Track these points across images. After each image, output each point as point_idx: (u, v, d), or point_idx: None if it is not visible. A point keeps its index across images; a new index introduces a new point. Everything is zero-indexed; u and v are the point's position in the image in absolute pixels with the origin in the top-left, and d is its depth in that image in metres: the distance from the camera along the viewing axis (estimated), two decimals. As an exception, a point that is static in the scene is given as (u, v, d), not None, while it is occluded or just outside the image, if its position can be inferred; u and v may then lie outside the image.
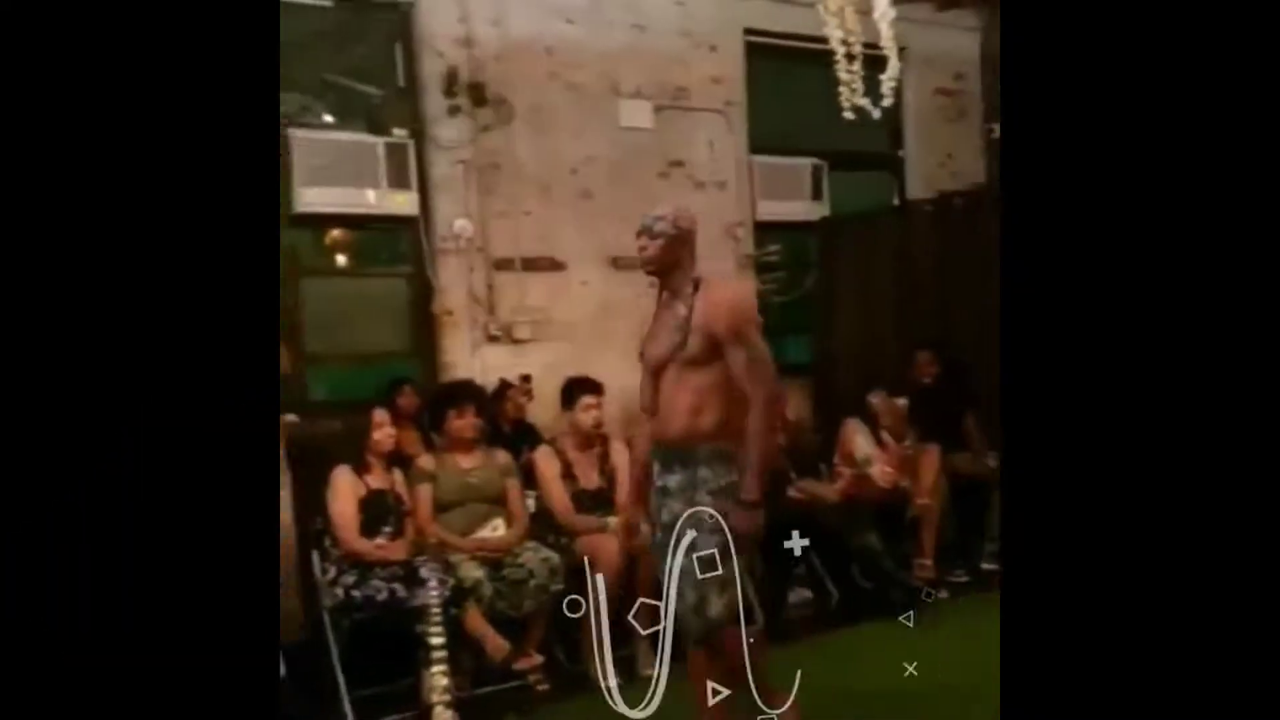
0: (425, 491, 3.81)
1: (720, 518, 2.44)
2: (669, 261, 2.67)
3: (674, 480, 2.65)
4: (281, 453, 3.99)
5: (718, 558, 2.43)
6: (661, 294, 2.74)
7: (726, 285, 2.73)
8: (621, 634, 3.92)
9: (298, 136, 4.49)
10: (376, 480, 3.73)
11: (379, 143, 4.66)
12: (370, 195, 4.64)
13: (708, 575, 2.45)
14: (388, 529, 3.66)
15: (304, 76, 4.65)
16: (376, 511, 3.66)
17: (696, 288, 2.64)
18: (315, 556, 3.73)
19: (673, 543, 2.50)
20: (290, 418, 4.25)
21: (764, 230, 5.84)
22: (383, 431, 3.78)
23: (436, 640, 3.15)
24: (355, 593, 3.50)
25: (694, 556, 2.47)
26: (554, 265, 5.12)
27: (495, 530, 3.81)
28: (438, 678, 3.15)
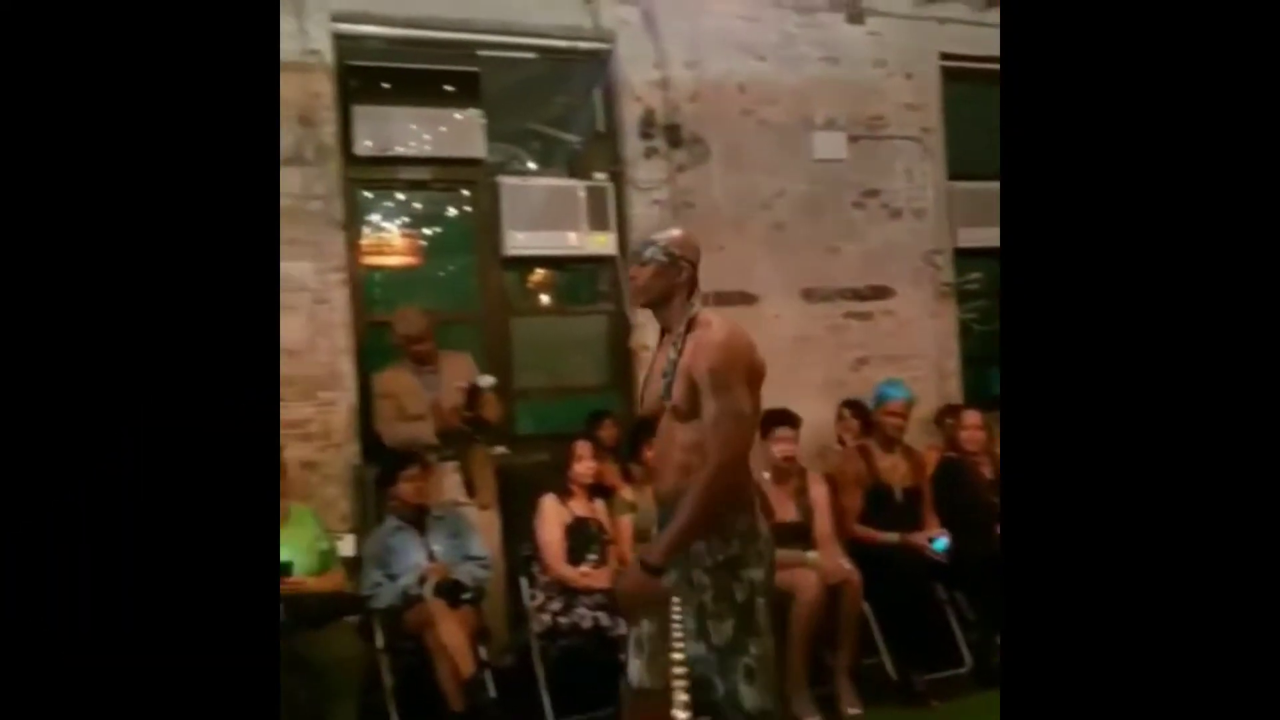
0: (628, 521, 3.91)
1: (730, 596, 2.19)
2: (660, 293, 2.35)
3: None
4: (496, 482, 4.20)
5: (736, 644, 2.20)
6: (662, 333, 2.43)
7: (720, 325, 2.29)
8: (822, 671, 3.91)
9: (506, 184, 4.75)
10: (580, 509, 3.87)
11: (580, 186, 4.87)
12: (572, 237, 4.84)
13: (733, 661, 2.21)
14: (592, 557, 3.79)
15: (510, 127, 4.93)
16: (581, 539, 3.80)
17: (691, 326, 2.30)
18: (523, 583, 3.90)
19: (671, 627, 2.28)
20: (499, 450, 4.47)
21: (964, 257, 5.66)
22: (585, 463, 3.92)
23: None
24: (562, 619, 3.63)
25: (715, 645, 2.23)
26: (746, 299, 5.15)
27: (694, 561, 3.86)
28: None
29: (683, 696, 1.52)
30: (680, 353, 2.27)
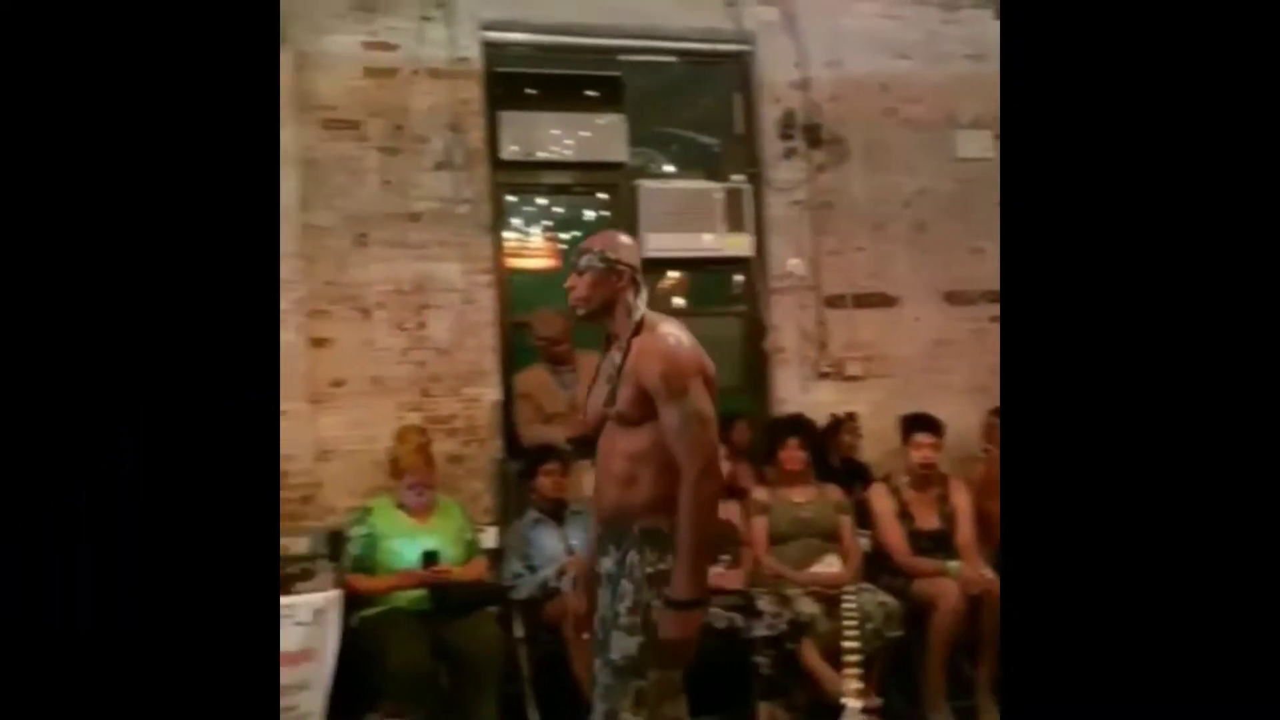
0: (761, 524, 3.91)
1: (642, 613, 2.11)
2: (601, 301, 2.25)
3: (609, 563, 2.25)
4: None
5: (636, 664, 2.10)
6: (608, 341, 2.33)
7: (667, 329, 2.21)
8: (961, 683, 3.80)
9: (644, 186, 4.81)
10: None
11: (717, 188, 4.88)
12: (708, 238, 4.86)
13: (625, 682, 2.10)
14: (726, 558, 3.79)
15: (649, 130, 4.99)
16: (720, 536, 3.81)
17: (638, 331, 2.22)
18: (658, 580, 3.94)
19: (600, 642, 2.20)
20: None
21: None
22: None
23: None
24: (695, 617, 3.65)
25: (608, 658, 2.16)
26: (886, 301, 5.07)
27: (829, 566, 3.83)
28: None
29: (854, 684, 1.52)
30: (625, 357, 2.19)
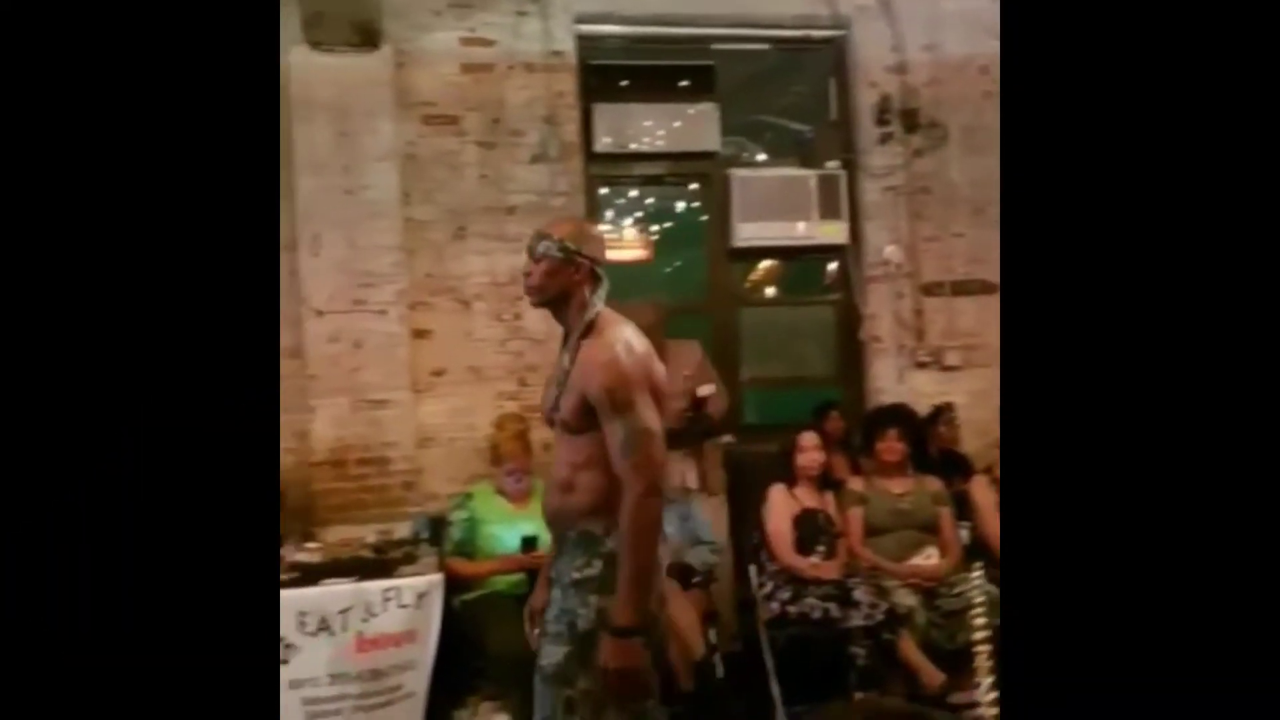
0: (857, 514, 3.87)
1: (573, 619, 2.02)
2: (556, 291, 2.13)
3: (553, 569, 2.17)
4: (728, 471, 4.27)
5: (564, 673, 2.02)
6: (565, 335, 2.20)
7: (616, 334, 2.07)
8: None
9: (736, 175, 4.79)
10: (809, 499, 3.86)
11: (811, 175, 4.84)
12: (802, 227, 4.82)
13: (556, 690, 2.02)
14: (821, 548, 3.77)
15: (741, 119, 4.97)
16: (809, 530, 3.79)
17: (588, 330, 2.10)
18: (752, 571, 3.94)
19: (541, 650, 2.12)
20: (726, 439, 4.53)
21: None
22: (809, 454, 3.91)
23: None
24: (791, 608, 3.64)
25: (538, 664, 2.09)
26: (986, 288, 4.95)
27: (928, 558, 3.77)
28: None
29: (986, 674, 1.51)
30: (573, 361, 2.09)
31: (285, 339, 4.28)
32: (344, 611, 3.26)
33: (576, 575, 2.04)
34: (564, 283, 2.13)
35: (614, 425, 2.00)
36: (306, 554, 3.52)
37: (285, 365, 4.28)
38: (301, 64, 4.20)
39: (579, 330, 2.11)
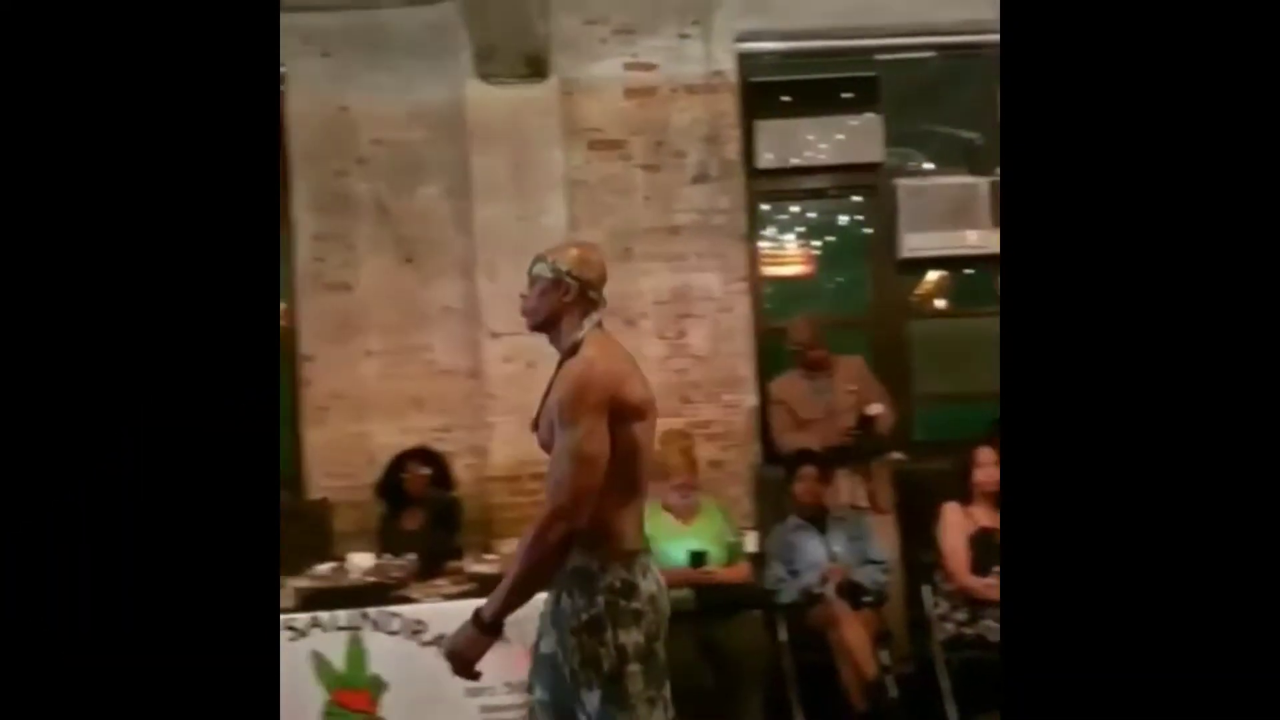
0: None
1: (597, 664, 1.97)
2: (546, 314, 2.10)
3: (552, 611, 2.09)
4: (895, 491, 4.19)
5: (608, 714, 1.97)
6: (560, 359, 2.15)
7: (587, 353, 2.01)
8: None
9: (903, 185, 4.71)
10: (985, 518, 3.74)
11: (983, 183, 4.69)
12: (972, 236, 4.68)
13: None
14: (998, 569, 3.64)
15: (906, 129, 4.88)
16: (986, 550, 3.66)
17: (572, 353, 2.05)
18: (925, 591, 3.84)
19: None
20: (895, 456, 4.45)
21: None
22: (988, 470, 3.78)
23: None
24: (967, 630, 3.54)
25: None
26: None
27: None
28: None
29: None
30: (552, 382, 2.06)
31: (464, 360, 4.52)
32: (517, 623, 3.37)
33: (585, 618, 1.98)
34: (554, 304, 2.10)
35: (559, 435, 1.98)
36: (485, 565, 3.67)
37: (464, 385, 4.52)
38: (477, 98, 4.42)
39: (565, 352, 2.09)
